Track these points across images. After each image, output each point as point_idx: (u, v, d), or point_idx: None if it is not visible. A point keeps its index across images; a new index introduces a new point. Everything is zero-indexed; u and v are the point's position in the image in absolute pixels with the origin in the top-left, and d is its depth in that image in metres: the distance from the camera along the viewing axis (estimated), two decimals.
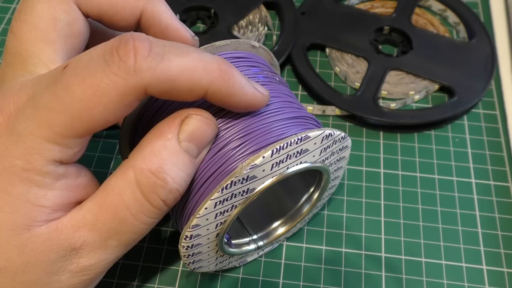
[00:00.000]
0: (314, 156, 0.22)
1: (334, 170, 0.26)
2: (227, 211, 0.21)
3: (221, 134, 0.21)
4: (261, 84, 0.22)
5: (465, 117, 0.35)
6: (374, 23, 0.39)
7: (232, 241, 0.26)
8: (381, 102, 0.35)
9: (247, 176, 0.20)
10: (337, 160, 0.25)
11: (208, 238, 0.22)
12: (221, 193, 0.20)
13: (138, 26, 0.23)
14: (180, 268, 0.29)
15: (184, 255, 0.22)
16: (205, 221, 0.21)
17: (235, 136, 0.21)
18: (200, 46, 0.23)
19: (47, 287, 0.19)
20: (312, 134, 0.21)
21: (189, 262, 0.23)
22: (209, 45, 0.22)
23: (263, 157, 0.20)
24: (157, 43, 0.18)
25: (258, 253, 0.28)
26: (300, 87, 0.37)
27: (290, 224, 0.28)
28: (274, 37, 0.39)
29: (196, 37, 0.24)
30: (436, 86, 0.36)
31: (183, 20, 0.39)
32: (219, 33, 0.38)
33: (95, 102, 0.17)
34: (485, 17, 0.41)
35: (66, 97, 0.17)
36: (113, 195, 0.19)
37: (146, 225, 0.20)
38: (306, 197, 0.27)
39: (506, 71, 0.37)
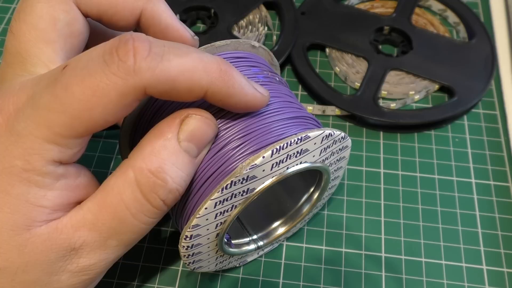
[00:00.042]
0: (314, 156, 0.22)
1: (334, 170, 0.26)
2: (227, 211, 0.21)
3: (221, 134, 0.21)
4: (261, 84, 0.22)
5: (465, 117, 0.35)
6: (374, 23, 0.39)
7: (232, 241, 0.26)
8: (381, 102, 0.35)
9: (247, 176, 0.20)
10: (337, 160, 0.25)
11: (208, 238, 0.22)
12: (221, 193, 0.20)
13: (137, 26, 0.23)
14: (180, 268, 0.29)
15: (184, 255, 0.22)
16: (205, 221, 0.21)
17: (235, 136, 0.21)
18: (200, 46, 0.23)
19: (47, 287, 0.19)
20: (312, 134, 0.21)
21: (189, 262, 0.23)
22: (209, 45, 0.22)
23: (263, 157, 0.20)
24: (156, 43, 0.18)
25: (258, 253, 0.28)
26: (300, 87, 0.37)
27: (290, 224, 0.28)
28: (274, 37, 0.39)
29: (196, 37, 0.24)
30: (436, 86, 0.36)
31: (183, 20, 0.39)
32: (219, 33, 0.38)
33: (95, 102, 0.17)
34: (485, 17, 0.41)
35: (66, 97, 0.17)
36: (113, 195, 0.19)
37: (146, 225, 0.20)
38: (306, 197, 0.27)
39: (506, 71, 0.37)
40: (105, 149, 0.33)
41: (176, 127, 0.19)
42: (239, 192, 0.21)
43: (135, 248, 0.23)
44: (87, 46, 0.23)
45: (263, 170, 0.20)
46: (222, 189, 0.20)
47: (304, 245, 0.29)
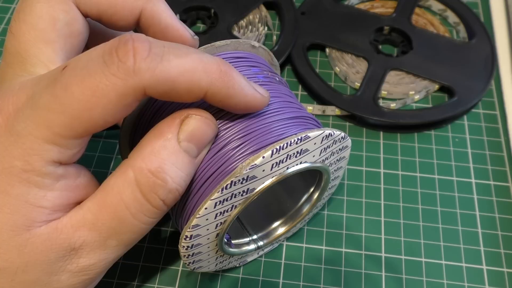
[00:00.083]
0: (314, 156, 0.22)
1: (334, 170, 0.26)
2: (227, 211, 0.21)
3: (221, 134, 0.21)
4: (261, 84, 0.22)
5: (465, 117, 0.35)
6: (374, 23, 0.39)
7: (232, 241, 0.26)
8: (381, 102, 0.35)
9: (247, 176, 0.20)
10: (337, 160, 0.25)
11: (208, 238, 0.22)
12: (221, 193, 0.20)
13: (137, 26, 0.23)
14: (180, 268, 0.29)
15: (184, 255, 0.22)
16: (205, 221, 0.21)
17: (235, 136, 0.21)
18: (200, 46, 0.23)
19: (47, 287, 0.19)
20: (312, 134, 0.21)
21: (189, 262, 0.23)
22: (209, 45, 0.22)
23: (263, 157, 0.20)
24: (156, 43, 0.18)
25: (258, 253, 0.28)
26: (300, 87, 0.37)
27: (290, 224, 0.28)
28: (274, 37, 0.39)
29: (196, 37, 0.24)
30: (436, 86, 0.36)
31: (183, 20, 0.39)
32: (219, 33, 0.38)
33: (94, 103, 0.17)
34: (485, 17, 0.41)
35: (65, 97, 0.17)
36: (113, 195, 0.19)
37: (146, 225, 0.20)
38: (306, 197, 0.27)
39: (506, 71, 0.37)
40: (105, 149, 0.33)
41: (176, 127, 0.19)
42: (239, 192, 0.21)
43: (135, 248, 0.23)
44: (87, 46, 0.23)
45: (263, 170, 0.20)
46: (222, 189, 0.20)
47: (304, 245, 0.29)
